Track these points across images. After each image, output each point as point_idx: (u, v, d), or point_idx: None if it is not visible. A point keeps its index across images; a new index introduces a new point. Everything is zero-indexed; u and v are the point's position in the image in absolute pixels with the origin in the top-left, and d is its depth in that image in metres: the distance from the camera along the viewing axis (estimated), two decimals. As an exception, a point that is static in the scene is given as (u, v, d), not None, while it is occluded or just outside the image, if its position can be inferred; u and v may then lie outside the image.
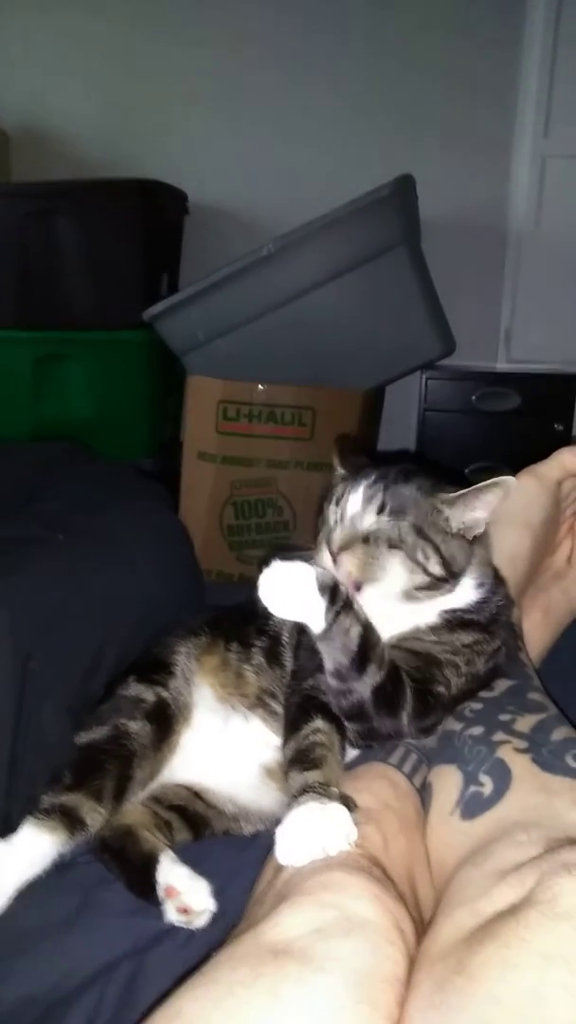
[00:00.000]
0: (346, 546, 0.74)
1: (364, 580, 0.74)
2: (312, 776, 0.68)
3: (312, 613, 0.71)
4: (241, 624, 0.91)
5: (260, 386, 1.88)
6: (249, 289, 1.94)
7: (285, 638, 0.88)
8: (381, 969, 0.52)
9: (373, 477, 0.77)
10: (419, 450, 2.39)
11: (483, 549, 0.81)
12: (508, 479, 0.74)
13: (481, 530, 0.78)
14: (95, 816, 0.74)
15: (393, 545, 0.74)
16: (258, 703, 0.85)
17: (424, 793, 0.74)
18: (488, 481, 0.74)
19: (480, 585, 0.80)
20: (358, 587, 0.74)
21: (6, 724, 0.79)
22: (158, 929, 0.72)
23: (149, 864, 0.75)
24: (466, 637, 0.79)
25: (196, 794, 0.84)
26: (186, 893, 0.72)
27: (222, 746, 0.85)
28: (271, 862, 0.65)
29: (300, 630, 0.83)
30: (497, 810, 0.66)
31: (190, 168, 2.50)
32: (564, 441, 1.07)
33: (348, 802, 0.67)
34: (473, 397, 2.34)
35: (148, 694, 0.84)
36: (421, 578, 0.74)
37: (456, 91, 2.52)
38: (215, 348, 2.00)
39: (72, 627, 0.90)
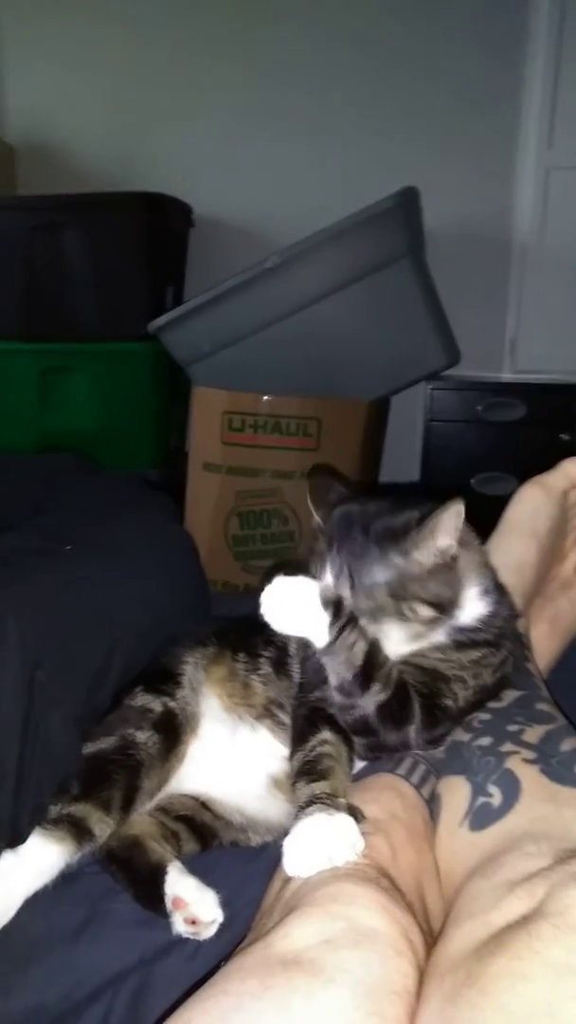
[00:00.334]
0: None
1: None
2: (319, 787, 0.68)
3: (315, 629, 0.71)
4: (248, 634, 0.90)
5: (265, 397, 1.89)
6: (254, 301, 1.95)
7: (292, 649, 0.87)
8: (390, 980, 0.52)
9: (335, 548, 0.75)
10: (423, 461, 2.39)
11: (471, 556, 0.80)
12: (455, 502, 0.72)
13: (454, 551, 0.75)
14: (103, 826, 0.74)
15: (376, 613, 0.73)
16: (265, 713, 0.85)
17: (433, 804, 0.74)
18: (437, 510, 0.72)
19: (485, 592, 0.80)
20: None
21: (14, 734, 0.79)
22: (166, 940, 0.72)
23: (157, 875, 0.75)
24: (474, 653, 0.78)
25: (203, 804, 0.84)
26: (194, 904, 0.72)
27: (229, 756, 0.85)
28: (279, 873, 0.65)
29: (307, 642, 0.82)
30: (506, 821, 0.66)
31: (194, 181, 2.52)
32: (570, 451, 1.07)
33: (355, 813, 0.66)
34: (479, 407, 2.34)
35: (155, 704, 0.84)
36: (417, 625, 0.75)
37: (461, 103, 2.54)
38: (220, 359, 2.01)
39: (79, 637, 0.90)
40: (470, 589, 0.78)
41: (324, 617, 0.70)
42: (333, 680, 0.73)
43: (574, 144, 2.55)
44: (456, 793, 0.72)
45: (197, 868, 0.76)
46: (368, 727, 0.73)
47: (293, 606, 0.71)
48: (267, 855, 0.78)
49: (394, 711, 0.72)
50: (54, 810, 0.74)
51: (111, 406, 2.24)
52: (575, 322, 2.61)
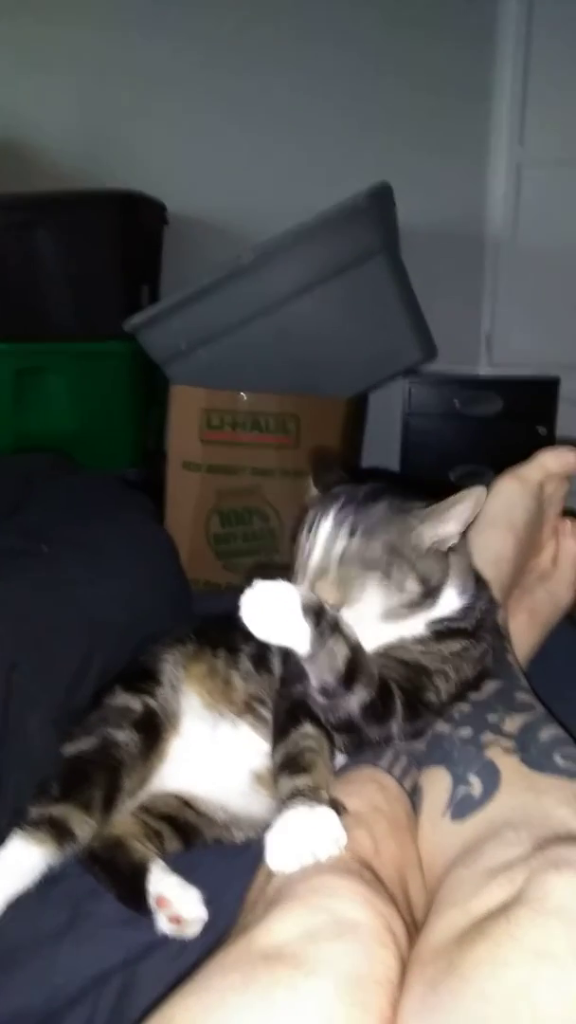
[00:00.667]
0: (321, 573, 0.73)
1: (342, 604, 0.72)
2: (301, 781, 0.68)
3: (297, 637, 0.69)
4: (228, 631, 0.89)
5: (243, 394, 1.89)
6: (229, 298, 1.94)
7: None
8: (373, 971, 0.52)
9: (343, 500, 0.76)
10: (402, 457, 2.40)
11: (461, 557, 0.80)
12: (477, 489, 0.73)
13: (455, 541, 0.77)
14: (84, 827, 0.74)
15: (367, 566, 0.73)
16: (247, 709, 0.85)
17: (414, 796, 0.74)
18: (458, 494, 0.73)
19: (463, 592, 0.80)
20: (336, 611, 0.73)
21: (-8, 737, 0.78)
22: (150, 940, 0.71)
23: (139, 874, 0.74)
24: (454, 645, 0.78)
25: (186, 802, 0.84)
26: (177, 902, 0.72)
27: (211, 754, 0.84)
28: (263, 868, 0.65)
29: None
30: (487, 810, 0.66)
31: (167, 178, 2.51)
32: (547, 444, 1.08)
33: (337, 806, 0.66)
34: (456, 402, 2.35)
35: (135, 703, 0.83)
36: (399, 597, 0.74)
37: (432, 100, 2.54)
38: (197, 357, 2.00)
39: (57, 638, 0.90)
40: (452, 584, 0.79)
41: (305, 627, 0.68)
42: (315, 683, 0.72)
43: (545, 140, 2.57)
44: (437, 784, 0.72)
45: (181, 866, 0.76)
46: (352, 726, 0.73)
47: (273, 613, 0.68)
48: (251, 852, 0.77)
49: (377, 709, 0.72)
50: (34, 812, 0.74)
51: (88, 406, 2.22)
52: (549, 316, 2.63)
